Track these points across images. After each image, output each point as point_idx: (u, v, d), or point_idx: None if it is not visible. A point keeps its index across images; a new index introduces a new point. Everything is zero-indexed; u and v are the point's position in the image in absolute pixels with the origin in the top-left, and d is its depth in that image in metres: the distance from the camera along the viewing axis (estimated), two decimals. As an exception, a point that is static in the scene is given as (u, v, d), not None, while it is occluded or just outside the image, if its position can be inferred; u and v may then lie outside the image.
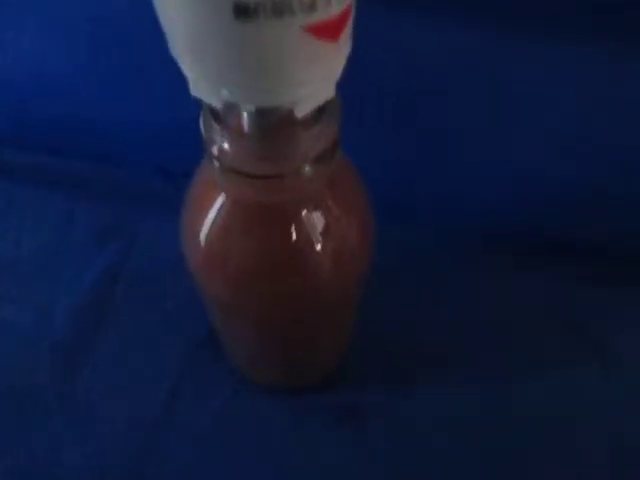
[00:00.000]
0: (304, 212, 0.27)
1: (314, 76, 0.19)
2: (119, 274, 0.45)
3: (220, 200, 0.26)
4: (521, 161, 0.44)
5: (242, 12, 0.16)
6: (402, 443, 0.38)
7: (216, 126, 0.22)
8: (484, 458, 0.37)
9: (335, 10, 0.17)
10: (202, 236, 0.28)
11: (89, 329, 0.42)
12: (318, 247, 0.28)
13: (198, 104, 0.22)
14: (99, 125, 0.50)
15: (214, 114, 0.22)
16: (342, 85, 0.21)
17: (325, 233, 0.28)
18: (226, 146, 0.23)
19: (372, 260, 0.31)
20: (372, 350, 0.41)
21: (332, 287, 0.30)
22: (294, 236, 0.27)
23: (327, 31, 0.18)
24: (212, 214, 0.27)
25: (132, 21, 0.42)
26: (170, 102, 0.46)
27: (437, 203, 0.46)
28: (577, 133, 0.42)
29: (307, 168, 0.24)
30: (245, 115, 0.21)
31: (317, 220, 0.27)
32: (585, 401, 0.39)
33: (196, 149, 0.28)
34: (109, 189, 0.50)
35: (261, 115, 0.21)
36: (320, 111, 0.22)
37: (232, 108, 0.20)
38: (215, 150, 0.23)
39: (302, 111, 0.20)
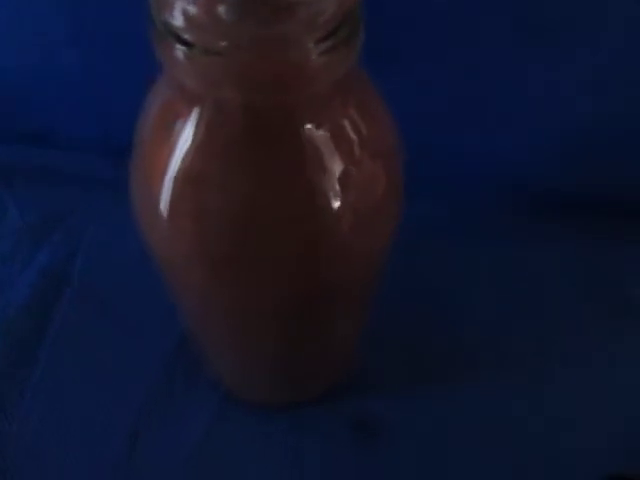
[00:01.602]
0: (312, 138, 0.18)
1: None
2: (64, 276, 0.38)
3: (189, 125, 0.17)
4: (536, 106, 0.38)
5: None
6: (424, 456, 0.32)
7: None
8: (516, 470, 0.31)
9: None
10: (164, 191, 0.19)
11: (24, 348, 0.35)
12: (334, 196, 0.19)
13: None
14: (27, 96, 0.41)
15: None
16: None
17: (344, 176, 0.19)
18: (191, 7, 0.14)
19: (400, 223, 0.24)
20: (380, 350, 0.34)
21: (352, 255, 0.22)
22: (298, 177, 0.19)
23: None
24: (176, 153, 0.18)
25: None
26: (114, 57, 0.38)
27: (447, 166, 0.39)
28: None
29: (312, 44, 0.15)
30: None
31: (331, 156, 0.19)
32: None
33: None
34: (46, 173, 0.42)
35: None
36: None
37: None
38: (177, 17, 0.14)
39: None
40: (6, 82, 0.41)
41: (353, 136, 0.20)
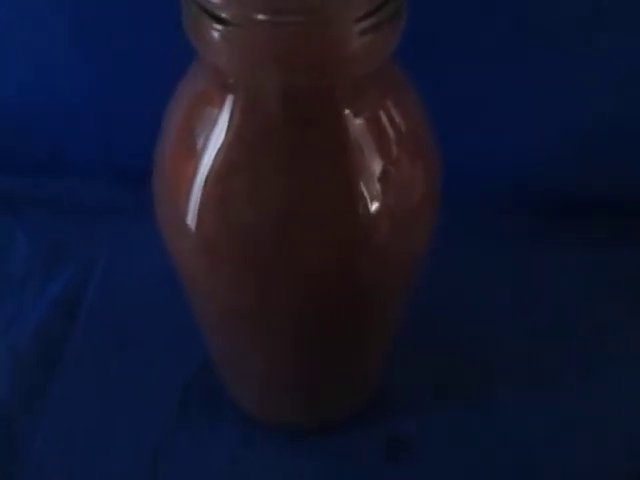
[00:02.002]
0: (351, 127, 0.17)
1: None
2: (76, 306, 0.36)
3: (224, 116, 0.17)
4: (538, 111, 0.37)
5: None
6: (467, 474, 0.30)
7: None
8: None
9: None
10: (195, 191, 0.18)
11: (37, 379, 0.33)
12: (373, 198, 0.19)
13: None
14: (33, 125, 0.41)
15: None
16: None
17: (383, 176, 0.19)
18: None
19: (435, 228, 0.23)
20: (409, 364, 0.33)
21: (386, 260, 0.21)
22: (335, 170, 0.18)
23: None
24: (211, 147, 0.17)
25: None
26: (121, 82, 0.38)
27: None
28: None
29: (354, 21, 0.15)
30: None
31: (368, 146, 0.18)
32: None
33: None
34: (55, 203, 0.41)
35: None
36: None
37: None
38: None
39: None
40: (11, 111, 0.41)
41: (391, 131, 0.19)
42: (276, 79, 0.15)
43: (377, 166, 0.18)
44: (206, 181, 0.18)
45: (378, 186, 0.19)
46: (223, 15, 0.14)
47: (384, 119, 0.18)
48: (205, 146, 0.17)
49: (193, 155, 0.18)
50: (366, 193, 0.18)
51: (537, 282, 0.37)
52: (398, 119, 0.19)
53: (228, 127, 0.17)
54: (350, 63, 0.16)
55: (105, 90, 0.39)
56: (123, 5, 0.35)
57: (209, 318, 0.24)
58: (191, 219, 0.19)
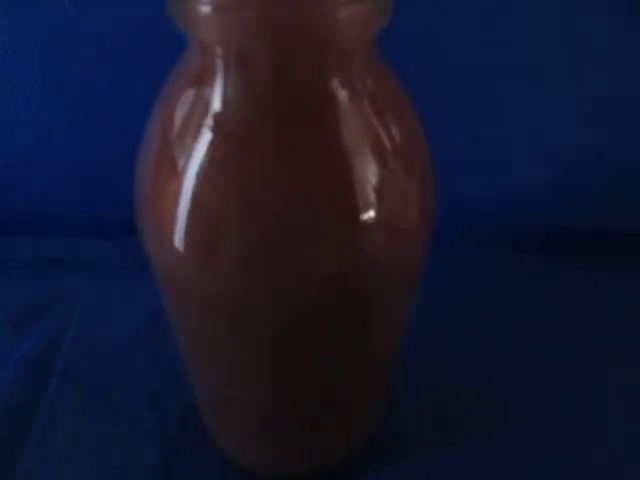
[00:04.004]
0: (341, 109, 0.17)
1: None
2: (49, 368, 0.35)
3: (217, 93, 0.16)
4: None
5: None
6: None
7: None
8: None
9: None
10: (183, 192, 0.18)
11: (8, 449, 0.31)
12: (367, 205, 0.18)
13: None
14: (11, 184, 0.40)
15: None
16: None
17: (380, 186, 0.18)
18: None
19: (429, 241, 0.23)
20: (408, 403, 0.32)
21: (383, 275, 0.20)
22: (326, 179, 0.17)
23: None
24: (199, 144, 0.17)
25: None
26: (102, 138, 0.39)
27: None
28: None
29: None
30: None
31: (364, 163, 0.18)
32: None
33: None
34: (27, 262, 0.40)
35: None
36: None
37: None
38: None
39: None
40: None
41: (386, 132, 0.19)
42: (265, 49, 0.15)
43: (372, 169, 0.18)
44: (198, 177, 0.17)
45: (374, 195, 0.18)
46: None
47: (377, 106, 0.18)
48: (199, 132, 0.17)
49: (185, 146, 0.17)
50: (359, 167, 0.18)
51: (538, 319, 0.37)
52: (394, 119, 0.19)
53: (222, 102, 0.17)
54: (337, 34, 0.16)
55: (88, 147, 0.39)
56: (108, 74, 0.36)
57: (195, 339, 0.23)
58: (187, 203, 0.18)
